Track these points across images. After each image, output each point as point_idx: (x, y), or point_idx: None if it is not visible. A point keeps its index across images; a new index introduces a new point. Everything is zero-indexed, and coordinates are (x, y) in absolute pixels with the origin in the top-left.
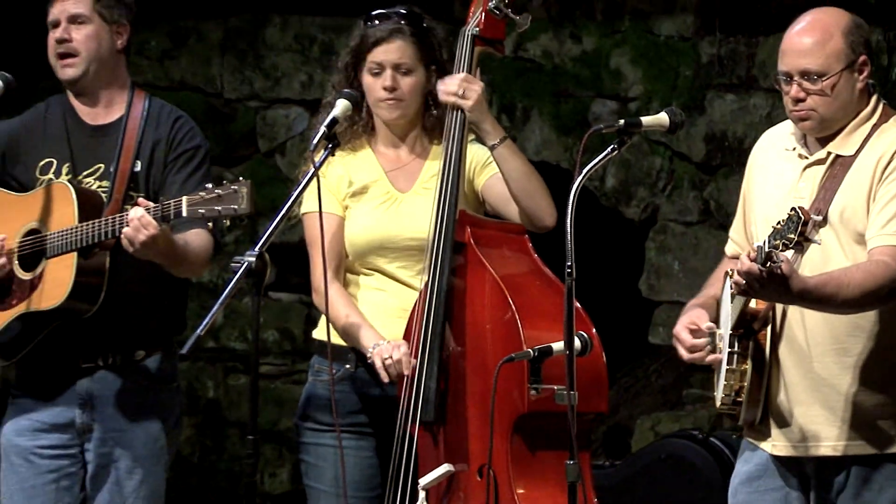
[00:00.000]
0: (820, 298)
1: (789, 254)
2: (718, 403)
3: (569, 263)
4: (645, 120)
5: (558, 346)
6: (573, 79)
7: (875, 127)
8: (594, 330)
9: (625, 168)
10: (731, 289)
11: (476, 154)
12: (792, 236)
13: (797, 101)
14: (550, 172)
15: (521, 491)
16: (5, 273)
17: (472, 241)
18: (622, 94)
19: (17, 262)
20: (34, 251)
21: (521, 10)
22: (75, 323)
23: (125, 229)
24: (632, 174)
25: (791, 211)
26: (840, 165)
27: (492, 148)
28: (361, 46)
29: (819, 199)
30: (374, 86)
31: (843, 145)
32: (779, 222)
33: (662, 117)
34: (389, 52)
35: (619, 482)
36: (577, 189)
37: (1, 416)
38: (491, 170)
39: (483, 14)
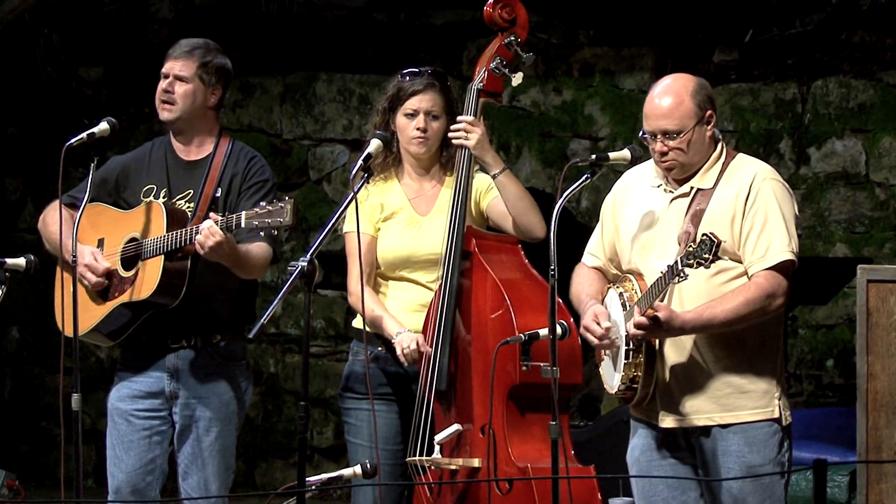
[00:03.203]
0: (697, 328)
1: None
2: (614, 391)
3: (552, 267)
4: (611, 155)
5: (543, 331)
6: (555, 123)
7: (725, 164)
8: (572, 319)
9: (595, 192)
10: (630, 338)
11: (481, 181)
12: (707, 256)
13: (662, 154)
14: (537, 197)
15: (514, 446)
16: (102, 286)
17: (476, 250)
18: (594, 134)
19: (120, 263)
20: (134, 254)
21: (516, 70)
22: (165, 313)
23: (198, 236)
24: (601, 197)
25: (703, 236)
26: (702, 196)
27: (493, 177)
28: (399, 95)
29: (688, 225)
30: (408, 126)
31: (702, 181)
32: (690, 245)
33: (625, 153)
34: (423, 101)
35: (591, 439)
36: (558, 209)
37: (108, 386)
38: (493, 193)
39: (486, 73)
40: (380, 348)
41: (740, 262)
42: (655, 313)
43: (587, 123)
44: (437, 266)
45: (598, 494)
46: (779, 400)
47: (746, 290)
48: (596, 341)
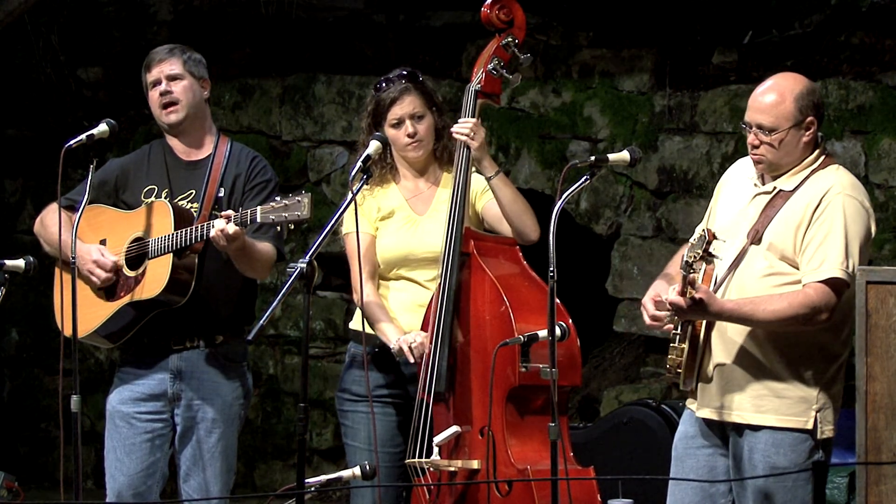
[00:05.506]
0: (734, 318)
1: (722, 268)
2: (666, 373)
3: (551, 269)
4: (611, 156)
5: (543, 333)
6: (555, 124)
7: (813, 171)
8: (570, 321)
9: (595, 194)
10: (669, 311)
11: (478, 183)
12: (699, 251)
13: (753, 146)
14: (537, 198)
15: (513, 447)
16: (111, 281)
17: (475, 251)
18: (593, 136)
19: (125, 263)
20: (139, 254)
21: (513, 71)
22: (167, 313)
23: (212, 231)
24: (600, 199)
25: (701, 231)
26: (780, 198)
27: (488, 179)
28: (379, 108)
29: (759, 222)
30: (398, 136)
31: (785, 183)
32: (694, 239)
33: (624, 154)
34: (405, 107)
35: (591, 440)
36: (558, 210)
37: (108, 387)
38: (489, 195)
39: (484, 74)
40: (377, 350)
41: (797, 269)
42: (695, 295)
43: (586, 125)
44: (435, 264)
45: (598, 496)
46: (817, 411)
47: (794, 296)
48: (648, 321)
